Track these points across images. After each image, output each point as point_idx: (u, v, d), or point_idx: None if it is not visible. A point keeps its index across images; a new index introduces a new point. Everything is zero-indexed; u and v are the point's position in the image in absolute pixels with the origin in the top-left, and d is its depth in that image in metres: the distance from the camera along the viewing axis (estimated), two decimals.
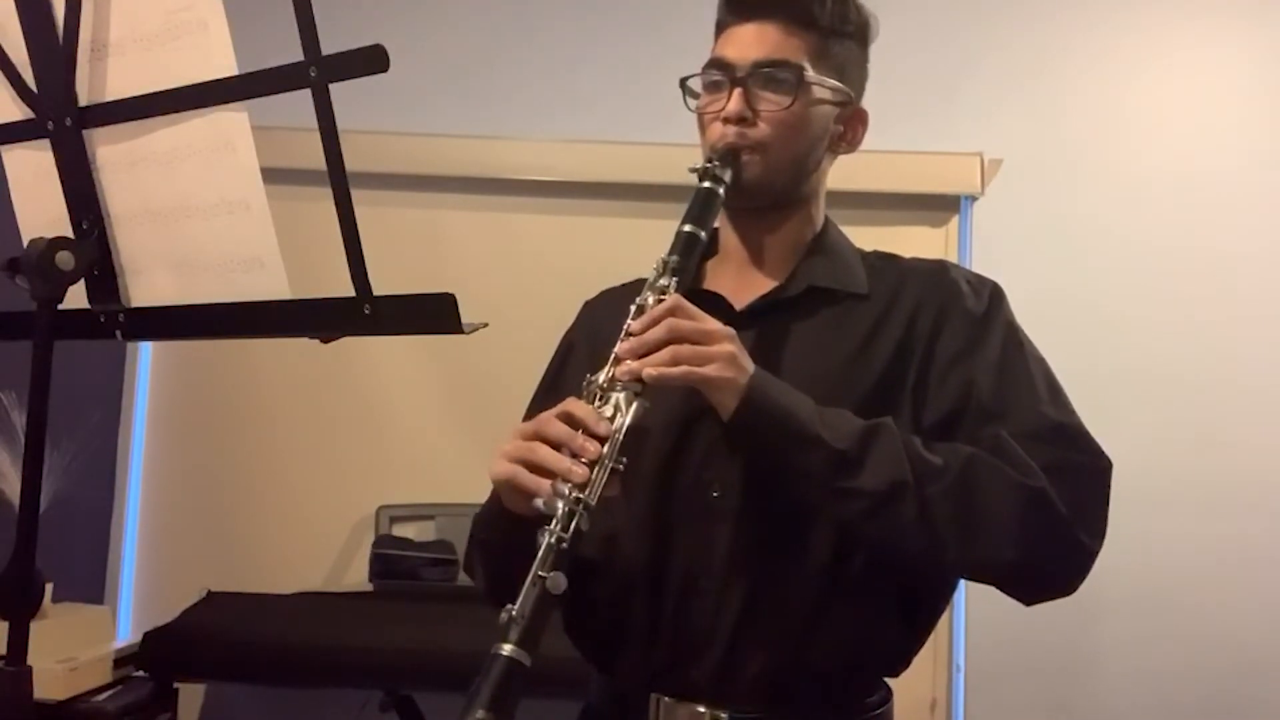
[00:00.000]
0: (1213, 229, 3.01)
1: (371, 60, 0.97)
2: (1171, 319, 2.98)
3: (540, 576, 0.99)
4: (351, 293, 1.03)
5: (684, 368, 1.08)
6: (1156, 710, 2.89)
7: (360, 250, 1.02)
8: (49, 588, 2.31)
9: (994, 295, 1.26)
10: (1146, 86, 3.10)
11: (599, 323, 1.31)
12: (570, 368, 1.33)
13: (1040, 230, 2.99)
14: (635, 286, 1.20)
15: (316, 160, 1.00)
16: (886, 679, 1.26)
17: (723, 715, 1.17)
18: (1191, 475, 2.87)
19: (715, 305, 1.20)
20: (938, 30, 3.00)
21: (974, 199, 2.80)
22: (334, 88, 1.00)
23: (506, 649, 0.96)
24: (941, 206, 2.81)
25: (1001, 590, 1.15)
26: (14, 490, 1.59)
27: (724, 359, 1.09)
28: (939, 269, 1.30)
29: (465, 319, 0.99)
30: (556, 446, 1.06)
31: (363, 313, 1.03)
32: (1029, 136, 2.99)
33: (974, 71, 3.07)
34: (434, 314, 1.00)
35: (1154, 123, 3.08)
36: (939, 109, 2.95)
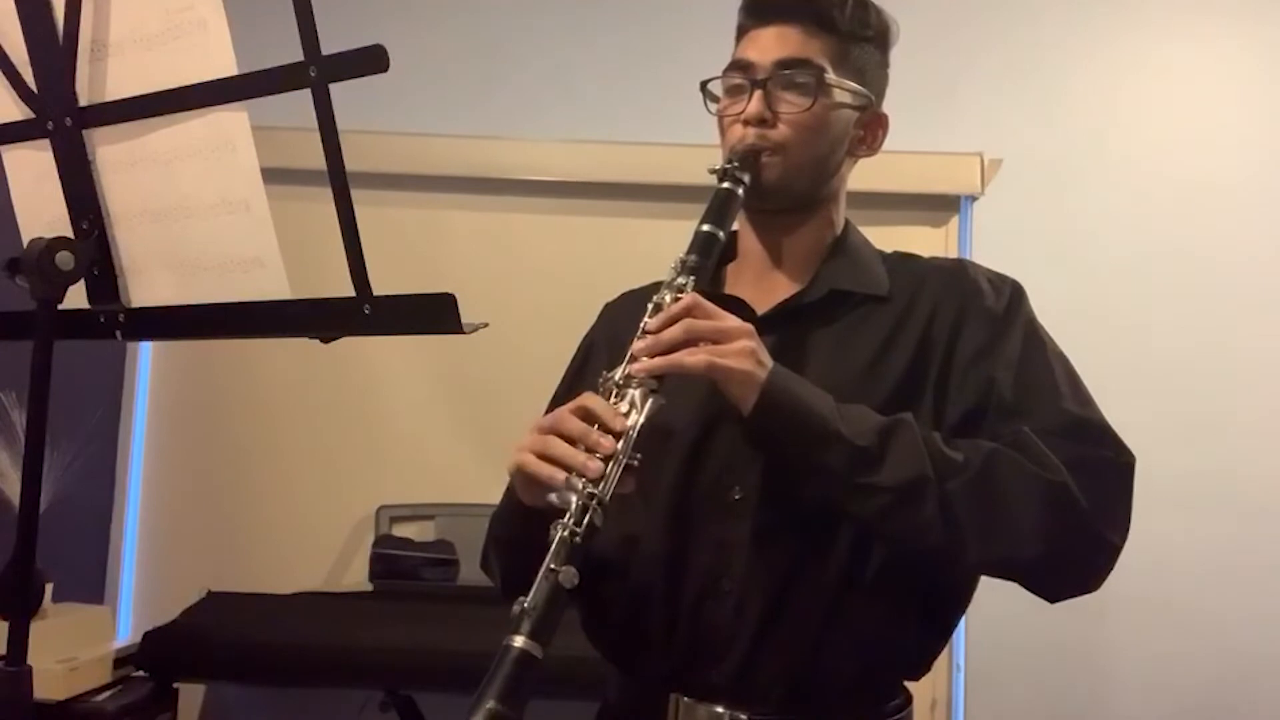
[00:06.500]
0: (1213, 228, 3.01)
1: (371, 60, 0.97)
2: (1172, 318, 2.98)
3: (553, 570, 0.99)
4: (351, 293, 1.03)
5: (704, 356, 1.08)
6: (1157, 710, 2.89)
7: (360, 250, 1.02)
8: (49, 588, 2.31)
9: (1014, 293, 1.26)
10: (1146, 86, 3.10)
11: (618, 323, 1.31)
12: (590, 368, 1.33)
13: (1040, 230, 2.99)
14: (655, 288, 1.19)
15: (316, 160, 1.00)
16: (907, 683, 1.26)
17: (742, 716, 1.16)
18: (1192, 475, 2.87)
19: (737, 310, 1.20)
20: (938, 30, 3.00)
21: (974, 199, 2.80)
22: (334, 88, 1.00)
23: (519, 641, 0.96)
24: (941, 206, 2.81)
25: (1025, 587, 1.15)
26: (14, 490, 1.59)
27: (742, 354, 1.09)
28: (958, 268, 1.30)
29: (465, 319, 0.99)
30: (572, 441, 1.06)
31: (363, 313, 1.03)
32: (1029, 136, 2.99)
33: (974, 71, 3.07)
34: (434, 314, 1.00)
35: (1154, 122, 3.08)
36: (939, 109, 2.95)
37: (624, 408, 1.08)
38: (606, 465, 1.04)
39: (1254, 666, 2.90)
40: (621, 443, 1.05)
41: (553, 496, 1.05)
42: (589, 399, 1.09)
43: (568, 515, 1.02)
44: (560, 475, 1.05)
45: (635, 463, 1.06)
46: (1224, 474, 2.92)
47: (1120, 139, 3.06)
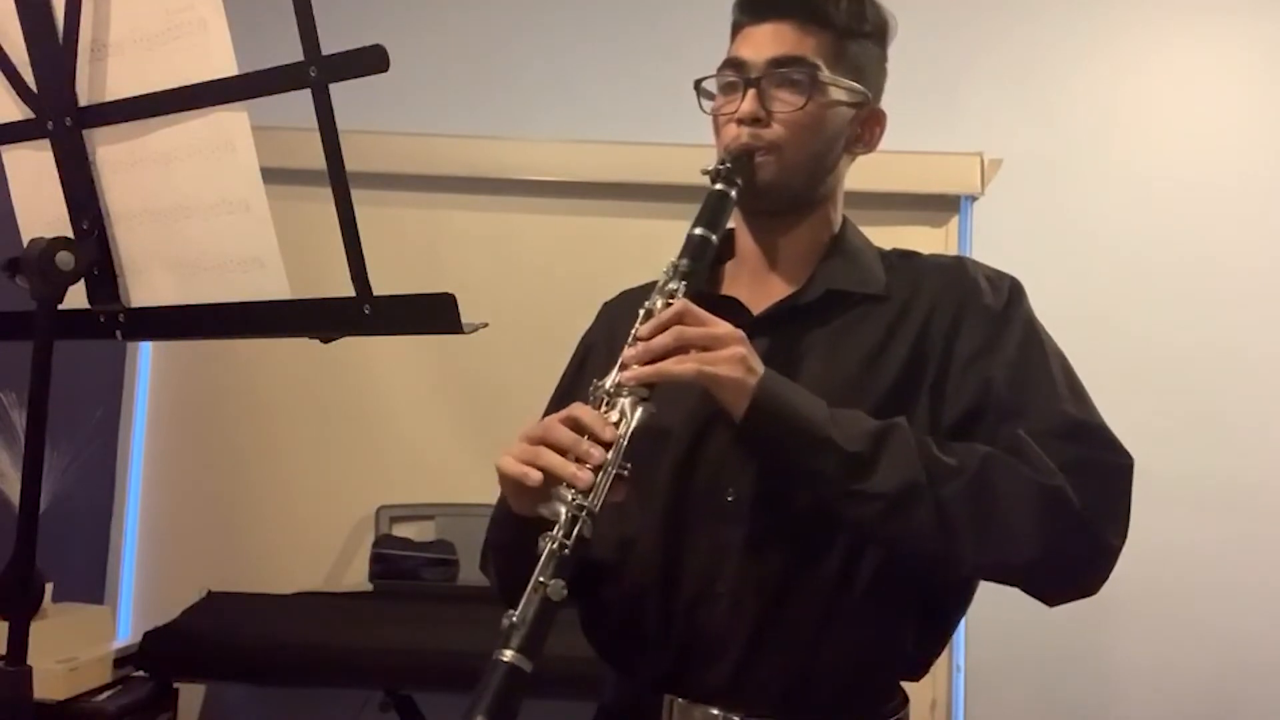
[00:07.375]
0: (1214, 228, 3.01)
1: (371, 60, 0.97)
2: (1172, 318, 2.98)
3: (541, 583, 0.99)
4: (351, 293, 1.03)
5: (693, 365, 1.07)
6: (1157, 710, 2.89)
7: (360, 250, 1.02)
8: (49, 588, 2.31)
9: (1013, 291, 1.25)
10: (1146, 85, 3.10)
11: (616, 324, 1.30)
12: (588, 370, 1.32)
13: (1040, 230, 2.99)
14: (654, 288, 1.18)
15: (316, 160, 1.00)
16: (906, 683, 1.25)
17: (736, 718, 1.16)
18: (1193, 474, 2.87)
19: (732, 311, 1.19)
20: (937, 30, 3.00)
21: (974, 199, 2.80)
22: (334, 88, 1.00)
23: (508, 655, 0.96)
24: (941, 206, 2.81)
25: (1024, 591, 1.14)
26: (14, 490, 1.59)
27: (733, 361, 1.08)
28: (957, 266, 1.28)
29: (465, 319, 0.99)
30: (562, 452, 1.06)
31: (363, 313, 1.03)
32: (1029, 136, 2.99)
33: (974, 71, 3.07)
34: (434, 314, 1.00)
35: (1154, 122, 3.08)
36: (939, 109, 2.95)
37: (614, 416, 1.07)
38: (596, 476, 1.03)
39: (1257, 666, 2.90)
40: (611, 453, 1.05)
41: (542, 508, 1.04)
42: (578, 409, 1.09)
43: (557, 527, 1.01)
44: (537, 476, 1.04)
45: (625, 472, 1.05)
46: (1224, 474, 2.92)
47: (1120, 139, 3.06)
